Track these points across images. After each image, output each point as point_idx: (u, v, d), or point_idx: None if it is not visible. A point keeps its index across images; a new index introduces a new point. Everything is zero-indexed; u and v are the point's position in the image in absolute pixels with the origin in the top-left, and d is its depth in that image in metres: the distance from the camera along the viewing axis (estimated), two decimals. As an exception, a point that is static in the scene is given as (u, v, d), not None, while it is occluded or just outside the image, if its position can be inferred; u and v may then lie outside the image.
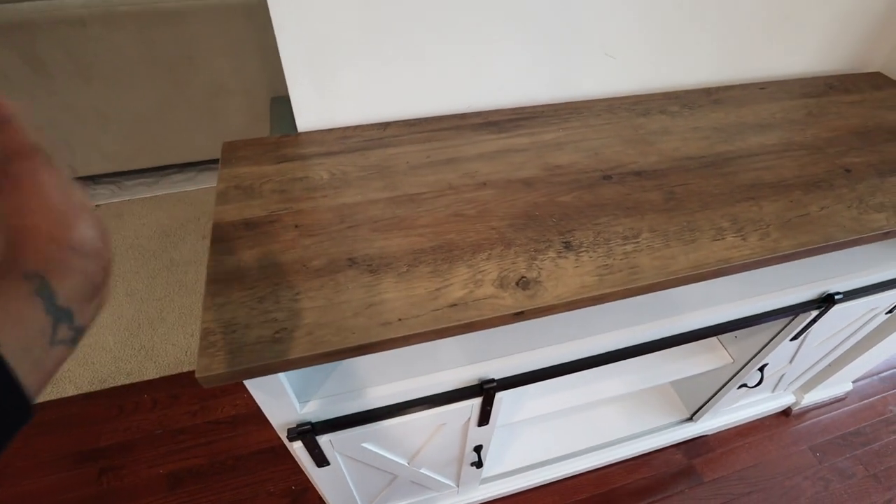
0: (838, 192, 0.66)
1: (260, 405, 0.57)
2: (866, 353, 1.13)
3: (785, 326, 0.87)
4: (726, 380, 1.05)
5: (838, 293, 0.79)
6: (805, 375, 1.17)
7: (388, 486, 0.88)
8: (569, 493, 1.16)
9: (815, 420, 1.33)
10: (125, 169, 1.78)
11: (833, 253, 0.82)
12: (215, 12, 1.42)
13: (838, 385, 1.33)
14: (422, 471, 0.86)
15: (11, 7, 1.30)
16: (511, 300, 0.50)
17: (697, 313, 0.72)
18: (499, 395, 0.69)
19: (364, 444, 0.69)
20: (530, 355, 0.67)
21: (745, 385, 1.04)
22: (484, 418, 0.73)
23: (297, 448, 0.64)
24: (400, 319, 0.48)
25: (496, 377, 0.66)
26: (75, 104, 1.51)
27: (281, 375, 0.53)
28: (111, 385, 1.31)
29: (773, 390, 1.19)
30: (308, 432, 0.61)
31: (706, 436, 1.27)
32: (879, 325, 1.07)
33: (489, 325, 0.49)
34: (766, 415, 1.32)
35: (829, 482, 1.21)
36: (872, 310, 0.92)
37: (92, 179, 1.90)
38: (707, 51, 0.82)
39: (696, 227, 0.59)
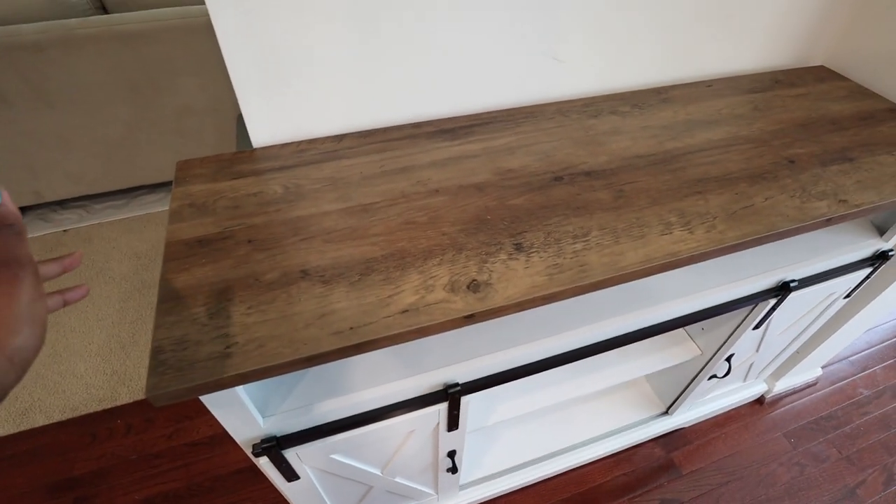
0: (782, 183, 0.68)
1: (221, 422, 0.56)
2: (831, 338, 1.16)
3: (746, 316, 0.89)
4: (696, 372, 1.07)
5: (793, 280, 0.82)
6: (774, 363, 1.20)
7: (365, 497, 0.88)
8: (549, 493, 1.16)
9: (788, 407, 1.35)
10: (93, 192, 1.76)
11: (788, 242, 0.85)
12: (177, 32, 1.42)
13: (808, 371, 1.36)
14: (397, 479, 0.86)
15: (-35, 33, 1.29)
16: (462, 304, 0.50)
17: (661, 307, 0.74)
18: (465, 399, 0.70)
19: (333, 456, 0.69)
20: (494, 357, 0.67)
21: (715, 376, 1.06)
22: (453, 423, 0.74)
23: (264, 464, 0.64)
24: (352, 328, 0.48)
25: (461, 381, 0.67)
26: (37, 130, 1.49)
27: (240, 390, 0.52)
28: (83, 412, 1.28)
29: (745, 379, 1.22)
30: (273, 447, 0.61)
31: (683, 428, 1.29)
32: (840, 309, 1.10)
33: (440, 329, 0.49)
34: (740, 404, 1.34)
35: (804, 467, 1.23)
36: (830, 295, 0.95)
37: (59, 204, 1.87)
38: (654, 51, 0.85)
39: (645, 223, 0.60)
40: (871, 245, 0.88)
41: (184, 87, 1.54)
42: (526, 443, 1.18)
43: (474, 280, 0.53)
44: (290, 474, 0.68)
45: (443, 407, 0.69)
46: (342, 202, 0.62)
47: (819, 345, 1.17)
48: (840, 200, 0.66)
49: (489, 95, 0.79)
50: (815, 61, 1.00)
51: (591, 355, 0.74)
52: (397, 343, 0.49)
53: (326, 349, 0.46)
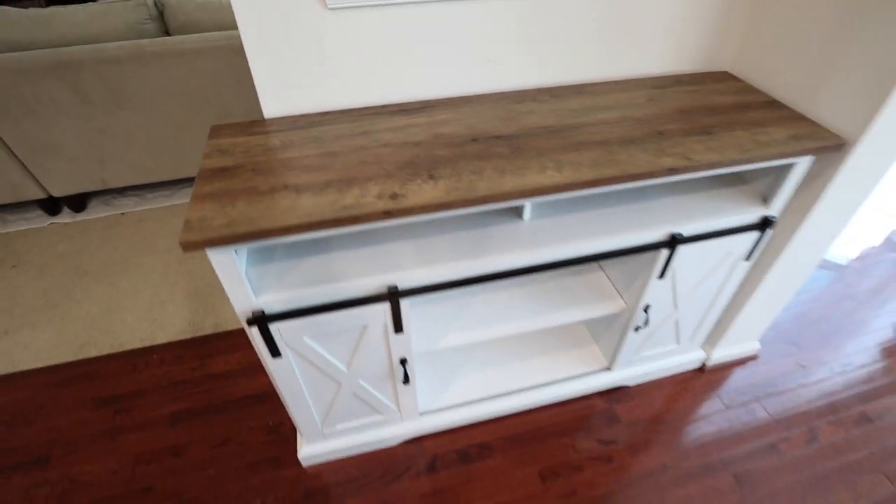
0: (645, 146, 0.91)
1: (228, 293, 0.82)
2: (751, 305, 1.33)
3: (650, 267, 1.10)
4: (625, 324, 1.27)
5: (680, 234, 1.03)
6: (703, 328, 1.38)
7: (337, 396, 1.11)
8: (502, 430, 1.36)
9: (728, 374, 1.51)
10: (147, 181, 2.11)
11: (679, 205, 1.06)
12: (223, 51, 1.77)
13: (744, 342, 1.52)
14: (360, 382, 1.09)
15: (64, 49, 1.66)
16: (382, 204, 0.76)
17: (573, 244, 0.96)
18: (405, 303, 0.93)
19: (305, 339, 0.94)
20: (430, 269, 0.91)
21: (639, 327, 1.25)
22: (398, 325, 0.98)
23: (255, 334, 0.89)
24: (309, 214, 0.74)
25: (399, 286, 0.91)
26: (109, 127, 1.86)
27: (235, 259, 0.78)
28: (127, 348, 1.58)
29: (678, 341, 1.40)
30: (261, 318, 0.86)
31: (627, 387, 1.47)
32: (748, 274, 1.28)
33: (367, 219, 0.74)
34: (682, 371, 1.51)
35: (732, 423, 1.39)
36: (728, 255, 1.15)
37: (119, 192, 2.24)
38: (574, 57, 1.10)
39: (528, 167, 0.84)
40: (756, 211, 1.08)
41: (225, 96, 1.89)
42: (483, 383, 1.39)
43: (395, 192, 0.78)
44: (274, 349, 0.94)
45: (387, 307, 0.93)
46: (318, 150, 0.89)
47: (741, 309, 1.35)
48: (686, 158, 0.88)
49: (441, 87, 1.06)
50: (721, 67, 1.22)
51: (512, 276, 0.97)
52: (338, 227, 0.74)
53: (291, 223, 0.72)
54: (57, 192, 2.03)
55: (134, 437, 1.35)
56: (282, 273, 0.90)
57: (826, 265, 1.92)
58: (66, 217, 2.13)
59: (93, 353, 1.57)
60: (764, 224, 1.09)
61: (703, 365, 1.52)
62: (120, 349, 1.58)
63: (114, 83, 1.74)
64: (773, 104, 1.06)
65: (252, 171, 0.84)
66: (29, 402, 1.44)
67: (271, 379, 1.01)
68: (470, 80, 1.06)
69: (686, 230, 1.04)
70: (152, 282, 1.80)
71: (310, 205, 0.76)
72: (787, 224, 1.15)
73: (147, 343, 1.59)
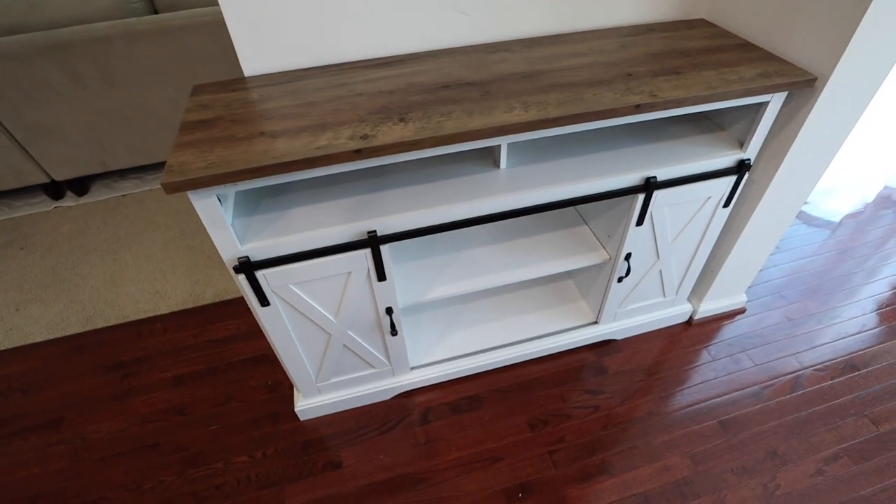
0: (612, 86, 0.93)
1: (214, 241, 0.86)
2: (734, 255, 1.35)
3: (627, 213, 1.13)
4: (608, 275, 1.30)
5: (655, 178, 1.05)
6: (688, 279, 1.40)
7: (328, 348, 1.16)
8: (492, 382, 1.40)
9: (716, 328, 1.54)
10: (146, 163, 2.16)
11: (653, 150, 1.08)
12: (211, 27, 1.80)
13: (731, 296, 1.54)
14: (349, 333, 1.13)
15: (55, 31, 1.70)
16: (353, 144, 0.79)
17: (548, 189, 0.99)
18: (384, 248, 0.97)
19: (292, 287, 0.98)
20: (407, 215, 0.94)
21: (622, 277, 1.28)
22: (380, 272, 1.01)
23: (242, 281, 0.93)
24: (283, 154, 0.77)
25: (379, 231, 0.94)
26: (105, 108, 1.91)
27: (218, 205, 0.82)
28: (132, 319, 1.64)
29: (664, 294, 1.42)
30: (247, 265, 0.91)
31: (615, 340, 1.50)
32: (728, 223, 1.30)
33: (338, 159, 0.78)
34: (670, 325, 1.54)
35: (718, 372, 1.42)
36: (707, 200, 1.17)
37: (120, 174, 2.29)
38: (549, 8, 1.11)
39: (495, 108, 0.87)
40: (732, 155, 1.09)
41: (215, 72, 1.92)
42: (473, 338, 1.42)
43: (366, 134, 0.81)
44: (262, 297, 0.98)
45: (368, 253, 0.96)
46: (295, 101, 0.93)
47: (725, 260, 1.37)
48: (651, 95, 0.90)
49: (416, 42, 1.08)
50: (697, 15, 1.23)
51: (485, 222, 1.00)
52: (312, 167, 0.78)
53: (266, 163, 0.76)
54: (59, 176, 2.08)
55: (141, 399, 1.41)
56: (266, 223, 0.94)
57: (818, 222, 1.93)
58: (69, 201, 2.19)
59: (100, 324, 1.63)
60: (740, 167, 1.11)
61: (691, 318, 1.55)
62: (125, 320, 1.64)
63: (105, 63, 1.79)
64: (745, 46, 1.07)
65: (230, 122, 0.88)
66: (42, 371, 1.50)
67: (263, 330, 1.06)
68: (444, 34, 1.09)
69: (661, 174, 1.06)
70: (154, 257, 1.86)
71: (284, 147, 0.79)
72: (765, 168, 1.16)
73: (150, 313, 1.65)
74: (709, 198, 1.16)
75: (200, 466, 1.25)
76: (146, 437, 1.33)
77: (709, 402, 1.34)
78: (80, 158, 2.04)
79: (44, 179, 2.09)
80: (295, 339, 1.10)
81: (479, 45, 1.11)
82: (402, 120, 0.85)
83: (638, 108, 0.88)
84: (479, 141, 0.84)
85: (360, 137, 0.80)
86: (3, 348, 1.57)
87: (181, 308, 1.66)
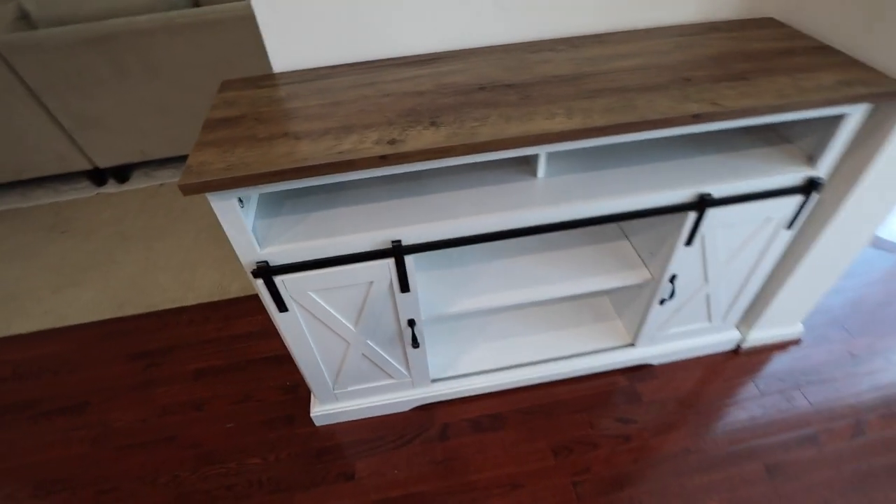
0: (669, 92, 0.84)
1: (229, 237, 0.83)
2: (793, 281, 1.22)
3: (676, 232, 1.03)
4: (649, 296, 1.20)
5: (709, 194, 0.95)
6: (738, 305, 1.28)
7: (346, 356, 1.11)
8: (516, 401, 1.33)
9: (765, 358, 1.41)
10: (184, 153, 2.18)
11: (710, 162, 0.98)
12: (247, 21, 1.79)
13: (786, 324, 1.40)
14: (369, 342, 1.09)
15: (99, 23, 1.73)
16: (380, 149, 0.73)
17: (589, 203, 0.91)
18: (409, 259, 0.91)
19: (310, 293, 0.94)
20: (437, 225, 0.88)
21: (664, 300, 1.18)
22: (403, 283, 0.96)
23: (260, 286, 0.90)
24: (305, 158, 0.73)
25: (404, 241, 0.89)
26: (146, 98, 1.93)
27: (238, 208, 0.78)
28: (160, 308, 1.65)
29: (710, 319, 1.31)
30: (265, 270, 0.87)
31: (651, 365, 1.40)
32: (790, 247, 1.18)
33: (363, 165, 0.72)
34: (714, 352, 1.42)
35: (767, 409, 1.29)
36: (766, 221, 1.05)
37: (159, 163, 2.34)
38: (598, 4, 1.03)
39: (536, 113, 0.79)
40: (800, 172, 0.98)
41: (251, 65, 1.91)
42: (499, 353, 1.35)
43: (394, 139, 0.75)
44: (280, 303, 0.94)
45: (391, 263, 0.91)
46: (322, 100, 0.88)
47: (782, 286, 1.24)
48: (713, 104, 0.80)
49: (452, 39, 1.01)
50: (764, 13, 1.11)
51: (518, 236, 0.93)
52: (335, 173, 0.73)
53: (285, 167, 0.71)
54: (102, 164, 2.13)
55: (162, 390, 1.41)
56: (288, 226, 0.90)
57: (888, 246, 1.75)
58: (111, 188, 2.24)
59: (130, 311, 1.65)
60: (809, 187, 0.99)
61: (738, 346, 1.42)
62: (154, 309, 1.65)
63: (147, 55, 1.80)
64: (823, 49, 0.95)
65: (255, 121, 0.84)
66: (74, 354, 1.53)
67: (281, 335, 1.02)
68: (480, 30, 1.02)
69: (717, 191, 0.95)
70: (185, 247, 1.87)
71: (307, 150, 0.74)
72: (837, 188, 1.04)
73: (178, 304, 1.66)
74: (769, 219, 1.05)
75: (215, 464, 1.24)
76: (164, 429, 1.32)
77: (754, 443, 1.23)
78: (121, 147, 2.08)
79: (87, 166, 2.14)
80: (313, 345, 1.06)
81: (519, 43, 1.04)
82: (433, 124, 0.78)
83: (697, 119, 0.79)
84: (515, 150, 0.77)
85: (388, 142, 0.75)
86: (39, 329, 1.61)
87: (207, 300, 1.66)
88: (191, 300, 1.66)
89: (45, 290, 1.75)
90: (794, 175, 0.98)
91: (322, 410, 1.26)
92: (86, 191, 2.24)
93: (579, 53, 0.98)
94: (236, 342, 1.52)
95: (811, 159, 0.99)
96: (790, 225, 1.07)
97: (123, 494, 1.19)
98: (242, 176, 0.71)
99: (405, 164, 0.75)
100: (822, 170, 0.98)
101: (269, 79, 0.97)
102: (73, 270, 1.82)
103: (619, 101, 0.81)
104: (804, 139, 1.01)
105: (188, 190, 0.71)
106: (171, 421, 1.34)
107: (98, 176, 2.24)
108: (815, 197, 1.02)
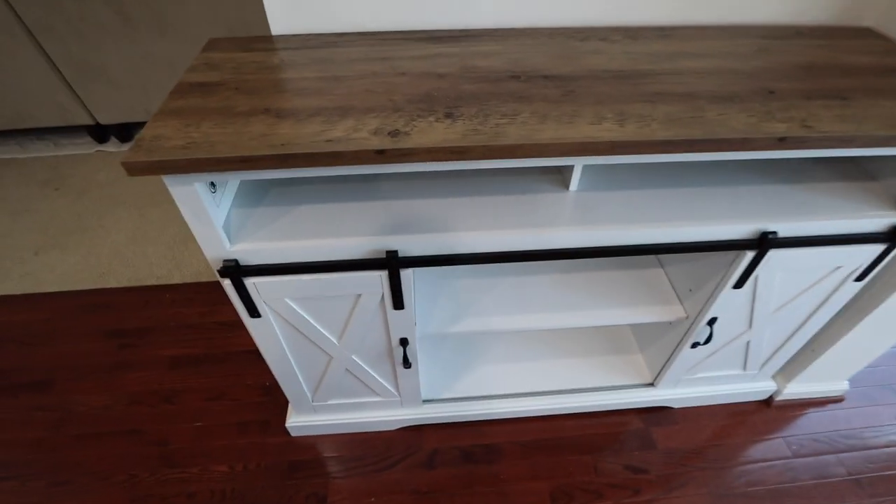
0: (748, 105, 0.67)
1: (195, 233, 0.69)
2: (849, 338, 1.05)
3: (726, 271, 0.87)
4: (680, 337, 1.04)
5: (775, 233, 0.78)
6: (780, 356, 1.11)
7: (328, 370, 0.98)
8: (516, 433, 1.19)
9: (800, 414, 1.24)
10: (191, 117, 2.05)
11: (778, 195, 0.81)
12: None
13: (830, 381, 1.23)
14: (354, 357, 0.95)
15: (110, -36, 1.59)
16: (377, 142, 0.58)
17: (626, 229, 0.75)
18: (406, 273, 0.77)
19: (287, 300, 0.80)
20: (442, 237, 0.73)
21: (697, 343, 1.02)
22: (398, 300, 0.81)
23: (228, 286, 0.76)
24: (283, 144, 0.58)
25: (402, 252, 0.74)
26: (151, 53, 1.79)
27: (200, 193, 0.64)
28: (144, 284, 1.53)
29: (745, 367, 1.14)
30: (234, 270, 0.73)
31: (671, 408, 1.24)
32: (855, 299, 1.01)
33: (353, 158, 0.57)
34: (743, 400, 1.26)
35: (798, 475, 1.13)
36: (835, 270, 0.88)
37: (165, 125, 2.21)
38: (664, -10, 0.85)
39: (579, 115, 0.63)
40: (885, 217, 0.80)
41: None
42: (502, 378, 1.21)
43: (397, 130, 0.60)
44: (252, 308, 0.80)
45: (384, 274, 0.76)
46: (320, 73, 0.73)
47: (835, 342, 1.07)
48: (805, 125, 0.63)
49: (487, 14, 0.85)
50: (862, 23, 0.92)
51: (535, 259, 0.77)
52: (317, 166, 0.58)
53: (255, 153, 0.56)
54: (103, 120, 2.01)
55: (133, 376, 1.30)
56: (269, 219, 0.76)
57: (951, 299, 1.55)
58: (111, 146, 2.12)
59: (111, 283, 1.54)
60: (893, 236, 0.82)
61: (771, 398, 1.26)
62: (137, 283, 1.53)
63: (156, 6, 1.66)
64: (939, 71, 0.77)
65: (234, 90, 0.69)
66: (45, 325, 1.42)
67: (254, 342, 0.89)
68: (523, 8, 0.85)
69: (784, 229, 0.79)
70: (180, 219, 1.75)
71: (287, 134, 0.60)
72: (927, 238, 0.86)
73: (163, 281, 1.54)
74: (839, 267, 0.88)
75: (176, 467, 1.12)
76: (129, 420, 1.21)
77: (782, 514, 1.07)
78: (124, 104, 1.96)
79: (88, 121, 2.02)
80: (289, 355, 0.93)
81: (566, 28, 0.87)
82: (448, 116, 0.63)
83: (782, 143, 0.62)
84: (549, 158, 0.61)
85: (389, 133, 0.59)
86: (14, 293, 1.51)
87: (194, 280, 1.54)
88: (177, 278, 1.54)
89: (28, 251, 1.64)
90: (877, 220, 0.80)
91: (298, 422, 1.13)
92: (86, 147, 2.13)
93: (637, 47, 0.81)
94: (218, 331, 1.40)
95: (901, 201, 0.82)
96: (862, 276, 0.90)
97: (76, 489, 1.08)
98: (201, 159, 0.56)
99: (407, 164, 0.60)
100: (915, 216, 0.80)
101: (263, 41, 0.82)
102: (59, 232, 1.71)
103: (686, 111, 0.65)
104: (891, 178, 0.83)
105: (133, 169, 0.57)
106: (138, 411, 1.22)
107: (100, 132, 2.12)
108: (900, 247, 0.85)
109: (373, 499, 1.07)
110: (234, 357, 1.34)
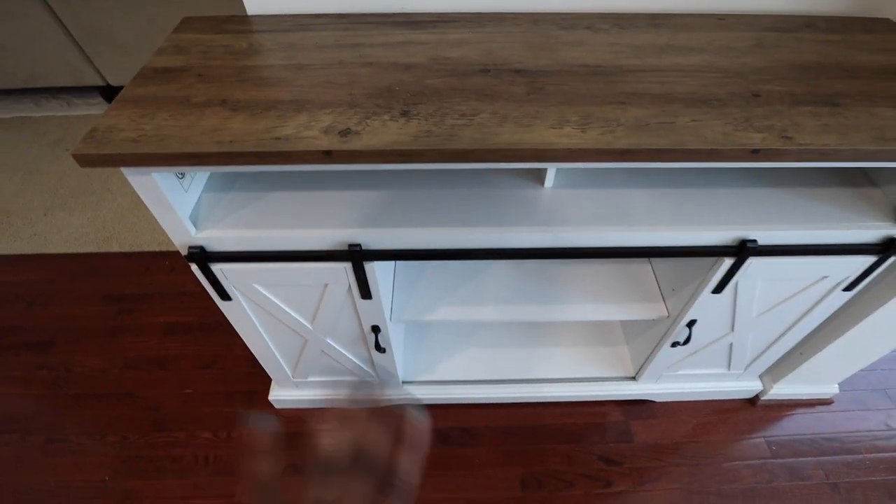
0: (725, 111, 0.63)
1: (158, 220, 0.70)
2: (838, 344, 1.02)
3: (704, 274, 0.84)
4: (662, 334, 1.02)
5: (754, 241, 0.75)
6: (765, 358, 1.09)
7: (304, 351, 1.00)
8: (494, 418, 1.20)
9: (786, 415, 1.23)
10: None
11: (762, 202, 0.77)
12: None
13: (819, 384, 1.20)
14: (328, 340, 0.96)
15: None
16: (326, 142, 0.57)
17: (598, 231, 0.72)
18: (370, 266, 0.76)
19: (256, 286, 0.81)
20: (409, 231, 0.72)
21: (677, 343, 1.00)
22: (364, 290, 0.81)
23: (196, 270, 0.77)
24: (231, 141, 0.57)
25: (365, 245, 0.73)
26: (157, 18, 1.78)
27: (159, 182, 0.64)
28: (145, 249, 1.58)
29: (729, 367, 1.13)
30: (199, 255, 0.74)
31: (652, 402, 1.24)
32: (845, 307, 0.97)
33: (300, 158, 0.57)
34: (727, 398, 1.24)
35: (775, 477, 1.13)
36: (821, 280, 0.85)
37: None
38: (661, -27, 0.79)
39: (541, 117, 0.61)
40: (879, 228, 0.76)
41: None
42: (484, 363, 1.22)
43: (348, 128, 0.59)
44: (222, 292, 0.82)
45: (348, 266, 0.76)
46: (286, 60, 0.71)
47: (824, 347, 1.04)
48: (784, 136, 0.59)
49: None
50: (881, 13, 0.85)
51: (503, 258, 0.76)
52: (265, 163, 0.57)
53: (203, 150, 0.56)
54: (113, 81, 2.03)
55: (129, 340, 1.36)
56: (237, 206, 0.76)
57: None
58: (121, 108, 2.14)
59: (114, 247, 1.58)
60: (887, 247, 0.77)
61: (756, 397, 1.24)
62: (138, 249, 1.58)
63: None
64: (954, 74, 0.71)
65: (197, 77, 0.68)
66: (49, 286, 1.48)
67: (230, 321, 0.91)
68: (509, -9, 0.80)
69: (765, 237, 0.75)
70: (182, 187, 1.77)
71: (238, 129, 0.59)
72: (925, 252, 0.81)
73: (163, 248, 1.58)
74: (825, 277, 0.84)
75: (165, 431, 1.18)
76: (124, 383, 1.27)
77: (751, 514, 1.08)
78: (132, 67, 1.95)
79: (99, 82, 2.04)
80: (264, 335, 0.95)
81: (553, 13, 0.82)
82: (403, 114, 0.61)
83: (755, 155, 0.59)
84: (502, 163, 0.59)
85: (339, 133, 0.58)
86: (22, 252, 1.57)
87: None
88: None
89: (37, 211, 1.70)
90: (871, 231, 0.76)
91: (280, 395, 1.17)
92: (98, 107, 2.15)
93: (623, 38, 0.76)
94: (213, 300, 1.43)
95: (898, 212, 0.77)
96: (851, 287, 0.86)
97: (71, 447, 1.16)
98: (149, 154, 0.56)
99: (355, 164, 0.58)
100: (910, 229, 0.76)
101: (237, 22, 0.80)
102: (67, 193, 1.76)
103: (657, 115, 0.61)
104: (892, 185, 0.78)
105: (84, 161, 0.57)
106: (132, 376, 1.28)
107: (111, 94, 2.14)
108: (892, 259, 0.81)
109: (348, 473, 1.11)
110: (226, 327, 1.36)
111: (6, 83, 2.04)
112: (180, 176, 0.71)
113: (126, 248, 1.58)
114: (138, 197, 1.74)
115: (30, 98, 2.20)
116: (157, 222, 1.58)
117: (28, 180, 1.81)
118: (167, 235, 1.56)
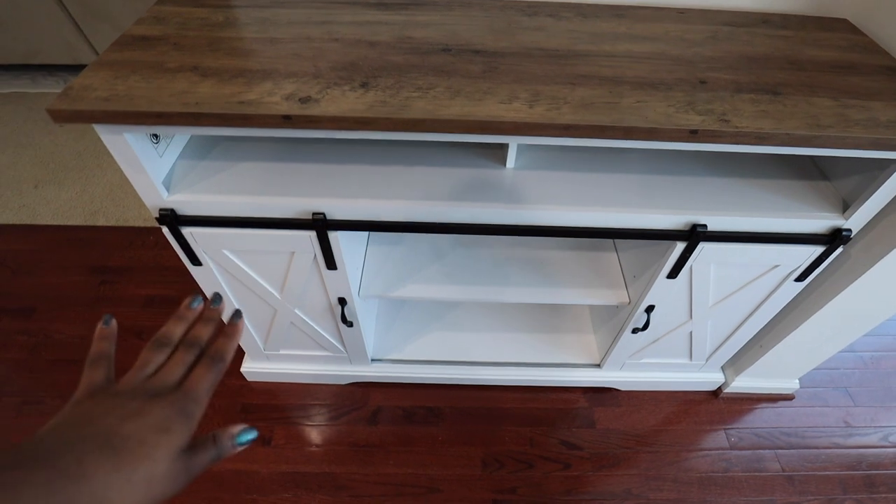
0: (670, 94, 0.66)
1: (126, 174, 0.73)
2: (794, 337, 1.05)
3: (660, 259, 0.87)
4: (624, 321, 1.05)
5: (704, 226, 0.78)
6: (726, 349, 1.12)
7: (274, 322, 1.03)
8: (457, 399, 1.23)
9: (747, 409, 1.26)
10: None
11: (721, 186, 0.80)
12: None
13: (780, 378, 1.24)
14: (297, 311, 0.99)
15: None
16: (286, 107, 0.60)
17: (555, 210, 0.76)
18: (334, 235, 0.80)
19: (225, 252, 0.84)
20: (373, 203, 0.75)
21: (637, 329, 1.03)
22: (329, 260, 0.84)
23: (167, 233, 0.80)
24: (197, 103, 0.60)
25: (329, 215, 0.77)
26: None
27: (131, 143, 0.67)
28: (131, 224, 1.61)
29: (691, 357, 1.16)
30: (169, 217, 0.77)
31: (617, 390, 1.27)
32: (800, 299, 1.00)
33: (260, 122, 0.60)
34: (690, 389, 1.27)
35: (731, 466, 1.16)
36: (773, 269, 0.88)
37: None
38: (626, -33, 0.83)
39: (492, 93, 0.64)
40: (827, 219, 0.79)
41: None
42: (452, 345, 1.25)
43: (309, 96, 0.62)
44: (192, 256, 0.85)
45: (313, 235, 0.79)
46: (259, 34, 0.74)
47: (781, 340, 1.07)
48: (722, 119, 0.63)
49: (441, -18, 0.84)
50: (839, 13, 0.88)
51: (461, 232, 0.79)
52: (227, 125, 0.60)
53: (169, 110, 0.59)
54: (110, 62, 2.06)
55: (109, 310, 1.37)
56: (210, 173, 0.79)
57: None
58: (117, 89, 2.17)
59: (101, 221, 1.61)
60: (834, 238, 0.81)
61: (719, 389, 1.27)
62: (124, 224, 1.61)
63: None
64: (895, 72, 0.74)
65: (172, 45, 0.71)
66: (35, 255, 1.51)
67: (200, 287, 0.94)
68: (481, -21, 0.84)
69: (715, 223, 0.79)
70: (171, 166, 1.80)
71: (205, 93, 0.62)
72: (870, 245, 0.85)
73: (149, 223, 1.61)
74: (777, 266, 0.87)
75: (140, 398, 1.21)
76: (103, 351, 1.30)
77: (707, 501, 1.10)
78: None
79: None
80: (235, 304, 0.98)
81: (520, 1, 0.85)
82: (363, 85, 0.64)
83: (694, 135, 0.62)
84: (451, 135, 0.62)
85: (300, 99, 0.61)
86: (12, 223, 1.60)
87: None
88: (161, 223, 1.61)
89: (28, 184, 1.73)
90: (819, 221, 0.79)
91: (252, 367, 1.20)
92: (93, 89, 2.18)
93: (584, 25, 0.79)
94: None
95: (845, 205, 0.80)
96: (802, 277, 0.89)
97: (46, 409, 1.18)
98: (118, 111, 0.59)
99: (313, 130, 0.61)
100: (855, 220, 0.79)
101: (217, -3, 0.83)
102: (58, 167, 1.79)
103: (603, 96, 0.65)
104: (844, 179, 0.81)
105: (58, 117, 0.60)
106: (111, 344, 1.31)
107: (106, 75, 2.17)
108: (839, 250, 0.84)
109: (314, 446, 1.14)
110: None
111: (4, 58, 2.08)
112: (154, 141, 0.74)
113: (112, 223, 1.61)
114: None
115: (27, 75, 2.24)
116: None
117: (20, 154, 1.84)
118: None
